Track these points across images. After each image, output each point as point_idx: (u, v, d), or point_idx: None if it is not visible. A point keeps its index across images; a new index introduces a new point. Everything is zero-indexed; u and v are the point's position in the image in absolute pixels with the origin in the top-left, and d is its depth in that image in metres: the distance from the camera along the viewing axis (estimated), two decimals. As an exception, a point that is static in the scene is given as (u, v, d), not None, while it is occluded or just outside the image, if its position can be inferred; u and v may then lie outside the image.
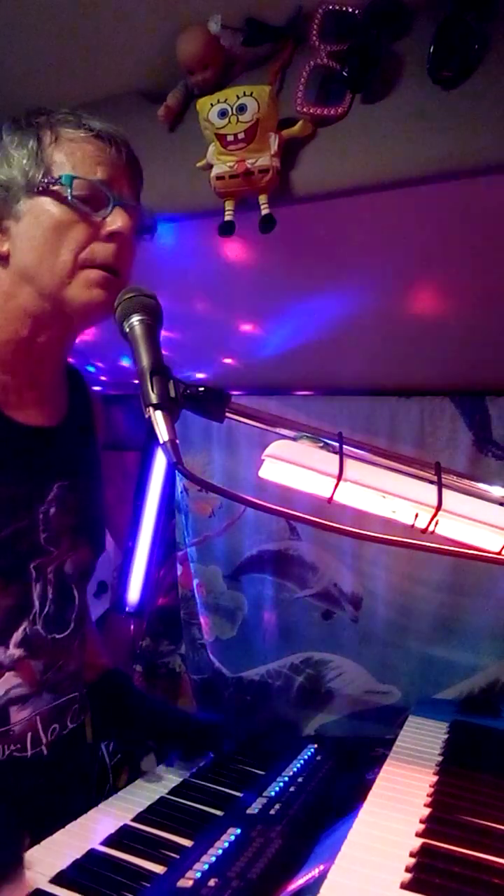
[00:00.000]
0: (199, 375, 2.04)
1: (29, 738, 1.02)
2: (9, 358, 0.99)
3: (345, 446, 1.07)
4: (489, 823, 1.00)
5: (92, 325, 1.02)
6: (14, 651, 0.98)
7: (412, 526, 1.08)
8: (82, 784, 1.20)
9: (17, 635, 0.99)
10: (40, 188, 0.93)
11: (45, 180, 0.93)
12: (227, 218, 1.12)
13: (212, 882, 0.86)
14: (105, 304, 0.95)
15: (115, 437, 2.25)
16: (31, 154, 0.94)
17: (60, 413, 1.09)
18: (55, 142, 0.95)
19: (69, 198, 0.93)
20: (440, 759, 1.24)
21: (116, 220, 0.95)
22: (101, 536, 1.16)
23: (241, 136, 1.08)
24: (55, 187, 0.93)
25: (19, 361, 1.00)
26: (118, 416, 2.27)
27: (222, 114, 1.08)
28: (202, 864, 0.90)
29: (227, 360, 1.94)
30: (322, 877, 0.82)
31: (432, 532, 1.07)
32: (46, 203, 0.94)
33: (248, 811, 1.06)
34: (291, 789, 1.14)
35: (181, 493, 2.31)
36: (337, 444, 1.08)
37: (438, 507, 1.04)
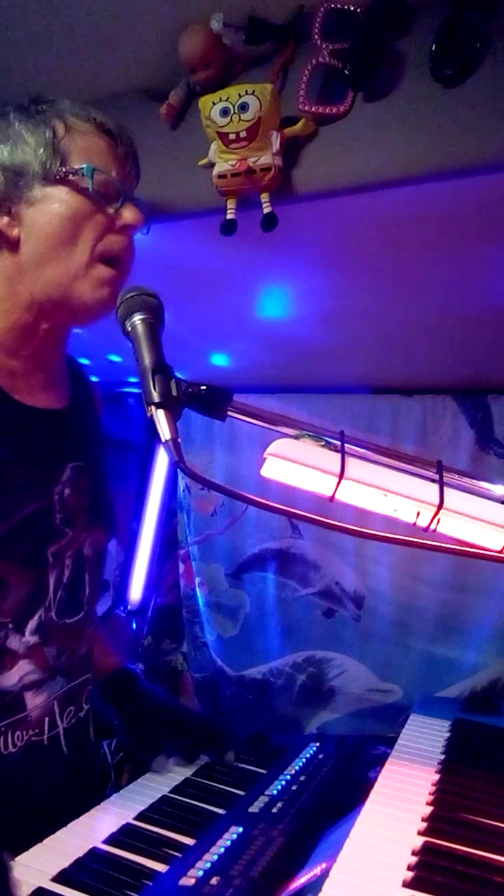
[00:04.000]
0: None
1: (46, 722, 1.02)
2: (14, 344, 0.99)
3: (346, 444, 1.07)
4: (492, 822, 1.00)
5: (94, 320, 1.02)
6: (29, 638, 0.99)
7: (414, 524, 1.08)
8: (92, 772, 1.21)
9: (33, 622, 0.99)
10: (57, 177, 0.93)
11: (64, 169, 0.93)
12: (228, 216, 1.12)
13: (214, 881, 0.86)
14: (109, 302, 0.97)
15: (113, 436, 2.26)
16: (48, 142, 0.94)
17: (66, 397, 1.10)
18: (68, 132, 0.95)
19: (90, 189, 0.93)
20: (442, 757, 1.23)
21: (129, 214, 0.97)
22: (112, 517, 1.17)
23: (242, 134, 1.08)
24: (74, 177, 0.93)
25: (24, 347, 1.00)
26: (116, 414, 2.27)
27: (224, 112, 1.08)
28: (204, 863, 0.90)
29: (228, 359, 1.94)
30: (324, 875, 0.82)
31: (434, 530, 1.07)
32: (63, 192, 0.94)
33: (251, 809, 1.06)
34: (293, 788, 1.14)
35: (183, 491, 2.32)
36: (339, 443, 1.08)
37: (440, 506, 1.04)
